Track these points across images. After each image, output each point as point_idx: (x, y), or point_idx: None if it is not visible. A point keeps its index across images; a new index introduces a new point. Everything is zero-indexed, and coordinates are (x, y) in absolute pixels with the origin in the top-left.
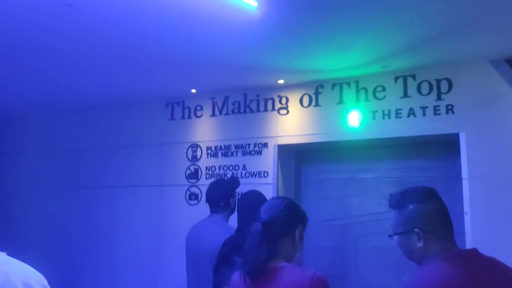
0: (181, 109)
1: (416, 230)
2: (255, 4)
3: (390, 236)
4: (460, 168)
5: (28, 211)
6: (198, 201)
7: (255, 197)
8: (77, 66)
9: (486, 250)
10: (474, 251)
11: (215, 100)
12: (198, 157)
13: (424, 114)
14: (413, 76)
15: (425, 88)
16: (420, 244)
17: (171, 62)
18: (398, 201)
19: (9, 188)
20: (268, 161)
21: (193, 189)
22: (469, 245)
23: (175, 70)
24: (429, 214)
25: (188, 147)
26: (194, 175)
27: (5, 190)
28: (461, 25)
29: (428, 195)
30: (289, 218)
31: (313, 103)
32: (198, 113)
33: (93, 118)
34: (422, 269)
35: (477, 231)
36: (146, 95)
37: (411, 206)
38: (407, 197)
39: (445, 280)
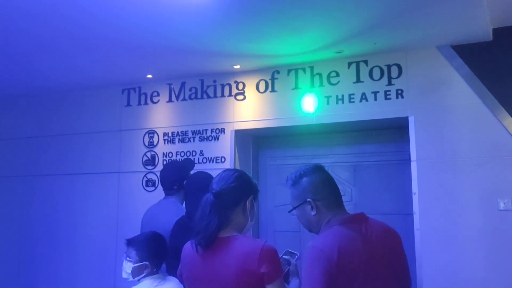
0: (138, 95)
1: (308, 199)
2: None
3: (289, 211)
4: (410, 151)
5: None
6: (155, 188)
7: (204, 177)
8: (31, 52)
9: (432, 227)
10: (362, 215)
11: (171, 85)
12: (155, 143)
13: (375, 99)
14: (365, 62)
15: (376, 73)
16: (313, 212)
17: (126, 48)
18: (292, 180)
19: None
20: (225, 146)
21: (150, 176)
22: (417, 224)
23: (131, 56)
24: (317, 184)
25: (145, 134)
26: (151, 161)
27: None
28: (408, 10)
29: (315, 169)
30: (240, 189)
31: (269, 88)
32: (155, 99)
33: (49, 105)
34: (323, 234)
35: (424, 211)
36: (102, 81)
37: (302, 181)
38: (298, 174)
39: (343, 241)
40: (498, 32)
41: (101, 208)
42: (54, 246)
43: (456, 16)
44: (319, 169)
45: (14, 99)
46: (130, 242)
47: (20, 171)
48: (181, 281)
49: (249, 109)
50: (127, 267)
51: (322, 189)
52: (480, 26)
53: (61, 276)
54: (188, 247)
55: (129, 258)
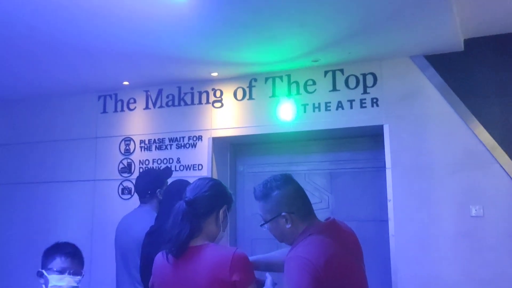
0: (114, 102)
1: (283, 213)
2: None
3: (261, 225)
4: (385, 158)
5: None
6: (131, 196)
7: (182, 185)
8: (4, 58)
9: (407, 233)
10: (333, 221)
11: (148, 92)
12: (131, 150)
13: (351, 107)
14: (341, 71)
15: (352, 82)
16: (288, 225)
17: (102, 54)
18: (262, 192)
19: None
20: (203, 154)
21: (126, 184)
22: (392, 230)
23: (107, 63)
24: (290, 196)
25: (121, 141)
26: (127, 169)
27: None
28: (381, 21)
29: (286, 180)
30: (213, 198)
31: (247, 96)
32: (131, 106)
33: (22, 112)
34: (303, 243)
35: (399, 217)
36: (78, 87)
37: (274, 194)
38: (269, 186)
39: (326, 249)
40: (469, 42)
41: (76, 217)
42: (28, 254)
43: (428, 27)
44: (289, 180)
45: None
46: (75, 253)
47: None
48: None
49: (226, 117)
50: (75, 282)
51: (295, 201)
52: (451, 37)
53: (34, 284)
54: (160, 257)
55: (83, 272)
